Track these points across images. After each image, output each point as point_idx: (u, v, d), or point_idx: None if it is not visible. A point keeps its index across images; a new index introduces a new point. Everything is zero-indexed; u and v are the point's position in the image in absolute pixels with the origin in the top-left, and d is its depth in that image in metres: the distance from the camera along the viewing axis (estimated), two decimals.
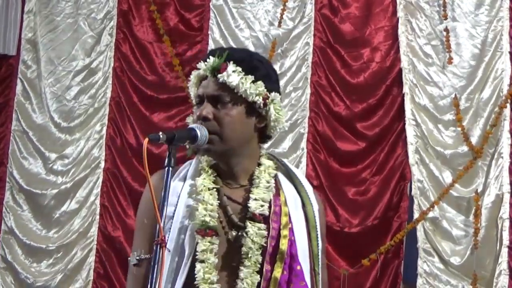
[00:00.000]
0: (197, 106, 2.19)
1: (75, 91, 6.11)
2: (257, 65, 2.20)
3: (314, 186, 5.39)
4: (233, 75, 2.14)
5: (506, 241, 5.15)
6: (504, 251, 5.15)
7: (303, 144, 5.54)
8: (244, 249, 2.11)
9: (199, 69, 2.22)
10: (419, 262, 5.26)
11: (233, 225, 2.16)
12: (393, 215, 5.38)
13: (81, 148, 6.02)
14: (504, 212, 5.19)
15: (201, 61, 2.21)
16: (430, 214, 5.28)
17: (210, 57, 2.19)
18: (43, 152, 6.09)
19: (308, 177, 5.48)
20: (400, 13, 5.53)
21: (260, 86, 2.17)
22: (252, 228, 2.12)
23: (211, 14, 5.87)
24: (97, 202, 5.93)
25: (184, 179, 2.22)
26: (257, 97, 2.16)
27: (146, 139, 1.94)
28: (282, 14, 5.69)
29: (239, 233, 2.14)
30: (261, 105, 2.17)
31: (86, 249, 5.89)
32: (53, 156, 6.05)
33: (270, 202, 2.17)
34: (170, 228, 2.15)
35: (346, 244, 5.41)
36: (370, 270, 5.33)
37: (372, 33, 5.60)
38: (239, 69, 2.16)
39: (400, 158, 5.43)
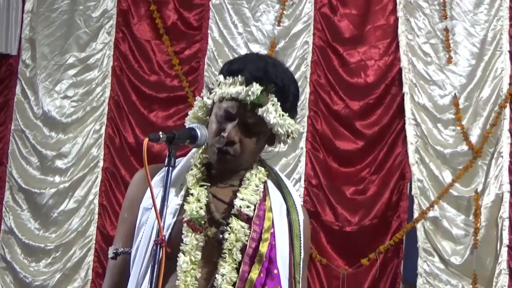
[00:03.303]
0: (221, 119, 2.14)
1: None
2: (287, 94, 2.17)
3: (312, 185, 5.44)
4: (272, 113, 2.13)
5: (506, 241, 5.14)
6: (504, 251, 5.15)
7: (302, 143, 5.53)
8: (226, 244, 2.09)
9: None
10: (419, 261, 5.25)
11: (213, 222, 2.14)
12: (392, 214, 5.38)
13: (79, 147, 6.00)
14: (504, 211, 5.19)
15: (237, 77, 2.13)
16: (430, 214, 5.27)
17: (254, 84, 2.12)
18: (40, 150, 6.07)
19: (307, 176, 5.49)
20: (400, 13, 5.53)
21: (292, 125, 2.18)
22: (237, 224, 2.11)
23: (211, 14, 5.85)
24: (96, 201, 5.91)
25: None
26: (285, 132, 2.17)
27: (146, 139, 1.94)
28: (281, 14, 5.68)
29: (220, 230, 2.12)
30: (285, 137, 2.19)
31: (85, 249, 5.87)
32: (50, 154, 6.03)
33: (255, 206, 2.15)
34: (147, 221, 2.13)
35: (345, 243, 5.41)
36: (369, 269, 5.33)
37: (371, 31, 5.59)
38: (278, 105, 2.14)
39: (400, 157, 5.43)
